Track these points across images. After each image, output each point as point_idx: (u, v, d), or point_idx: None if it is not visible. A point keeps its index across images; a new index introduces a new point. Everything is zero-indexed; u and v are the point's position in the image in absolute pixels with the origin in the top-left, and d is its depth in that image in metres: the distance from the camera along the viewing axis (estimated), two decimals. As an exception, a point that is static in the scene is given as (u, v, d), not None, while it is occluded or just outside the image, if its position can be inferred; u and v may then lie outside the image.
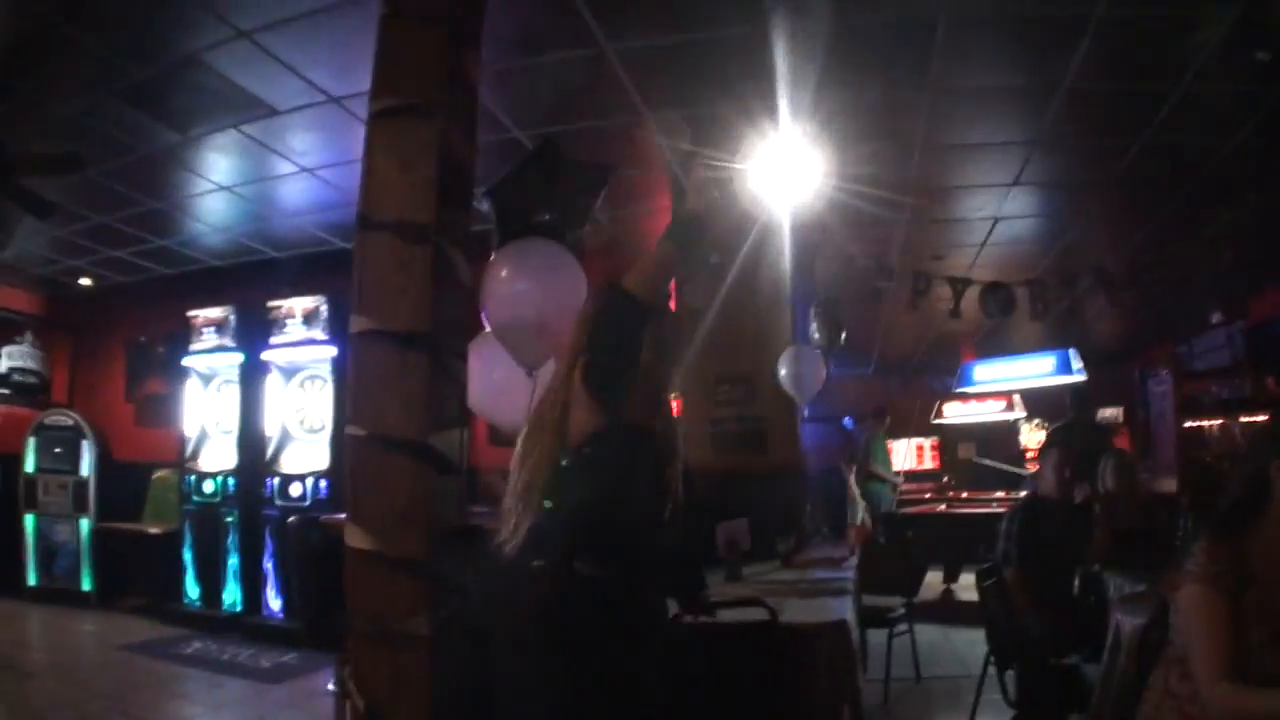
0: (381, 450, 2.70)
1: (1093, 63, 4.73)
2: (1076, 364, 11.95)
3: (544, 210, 3.98)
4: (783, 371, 6.53)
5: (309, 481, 7.83)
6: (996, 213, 7.30)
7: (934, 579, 8.61)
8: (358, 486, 2.76)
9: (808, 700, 3.38)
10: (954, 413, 14.00)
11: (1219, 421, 10.43)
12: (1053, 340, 11.81)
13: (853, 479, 11.49)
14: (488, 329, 3.83)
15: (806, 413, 7.40)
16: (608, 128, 5.60)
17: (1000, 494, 10.81)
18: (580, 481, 2.29)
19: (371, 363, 2.77)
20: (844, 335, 7.64)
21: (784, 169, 4.91)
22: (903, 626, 5.96)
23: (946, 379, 13.84)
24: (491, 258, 3.79)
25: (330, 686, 4.87)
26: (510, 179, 4.11)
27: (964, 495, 11.89)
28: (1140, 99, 5.19)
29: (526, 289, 3.69)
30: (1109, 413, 13.30)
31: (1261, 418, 9.46)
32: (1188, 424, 10.85)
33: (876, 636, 5.83)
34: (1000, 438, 14.22)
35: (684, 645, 2.95)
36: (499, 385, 3.87)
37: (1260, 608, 2.19)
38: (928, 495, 12.27)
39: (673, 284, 6.24)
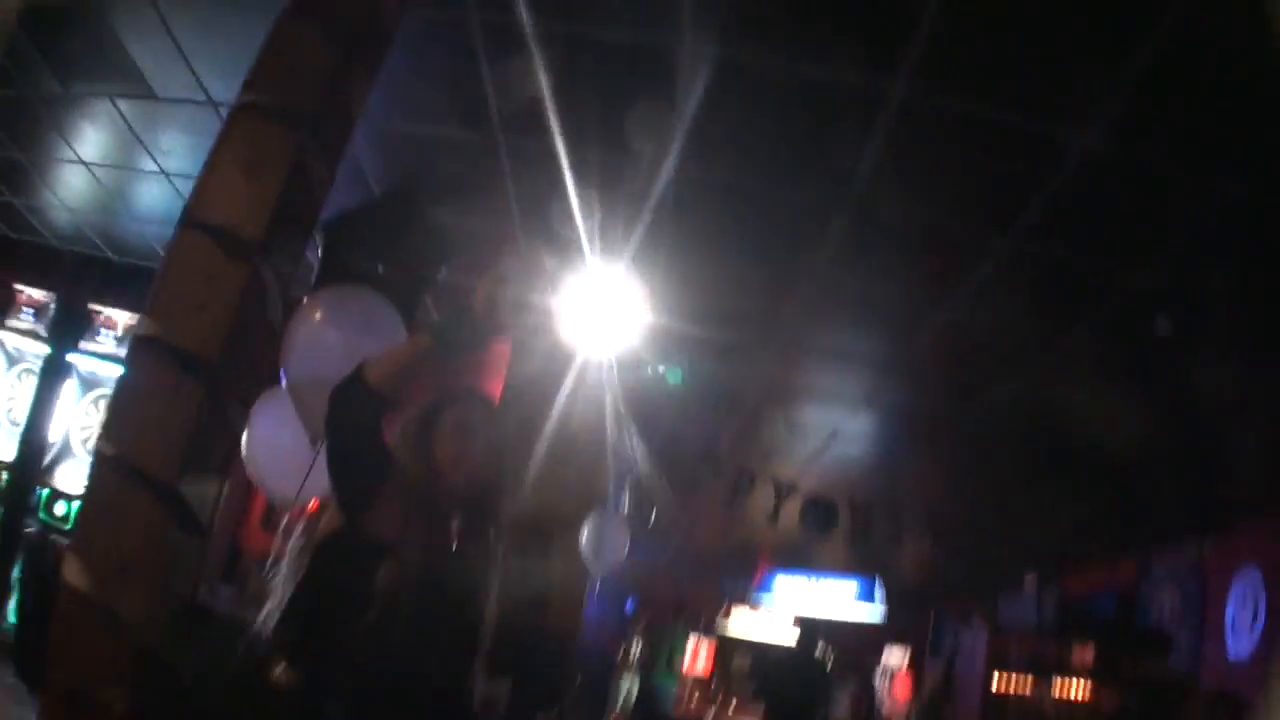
0: (125, 479, 2.33)
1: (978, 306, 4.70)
2: (879, 594, 11.90)
3: (378, 261, 3.58)
4: (584, 536, 6.13)
5: (75, 505, 7.14)
6: (837, 427, 7.12)
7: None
8: (89, 512, 2.46)
9: None
10: (739, 622, 13.63)
11: (1030, 681, 10.20)
12: (855, 566, 11.76)
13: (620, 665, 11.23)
14: (284, 384, 3.37)
15: (597, 586, 7.00)
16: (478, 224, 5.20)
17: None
18: (300, 585, 2.08)
19: (143, 375, 2.48)
20: (655, 515, 7.43)
21: (629, 326, 4.59)
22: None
23: (740, 582, 13.55)
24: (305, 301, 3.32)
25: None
26: (351, 216, 3.69)
27: (733, 704, 11.69)
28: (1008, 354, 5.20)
29: (336, 341, 3.23)
30: (895, 653, 13.18)
31: (1071, 681, 9.32)
32: (996, 679, 10.58)
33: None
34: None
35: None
36: (283, 449, 3.42)
37: None
38: (696, 697, 12.07)
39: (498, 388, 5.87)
